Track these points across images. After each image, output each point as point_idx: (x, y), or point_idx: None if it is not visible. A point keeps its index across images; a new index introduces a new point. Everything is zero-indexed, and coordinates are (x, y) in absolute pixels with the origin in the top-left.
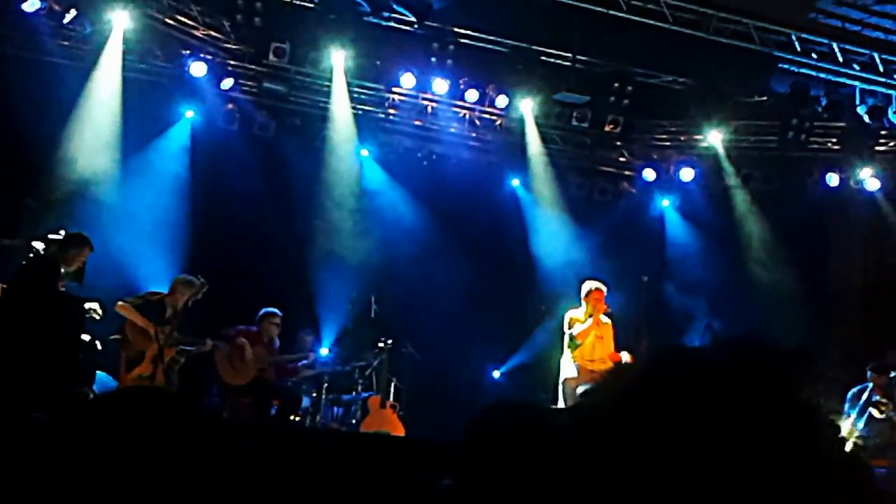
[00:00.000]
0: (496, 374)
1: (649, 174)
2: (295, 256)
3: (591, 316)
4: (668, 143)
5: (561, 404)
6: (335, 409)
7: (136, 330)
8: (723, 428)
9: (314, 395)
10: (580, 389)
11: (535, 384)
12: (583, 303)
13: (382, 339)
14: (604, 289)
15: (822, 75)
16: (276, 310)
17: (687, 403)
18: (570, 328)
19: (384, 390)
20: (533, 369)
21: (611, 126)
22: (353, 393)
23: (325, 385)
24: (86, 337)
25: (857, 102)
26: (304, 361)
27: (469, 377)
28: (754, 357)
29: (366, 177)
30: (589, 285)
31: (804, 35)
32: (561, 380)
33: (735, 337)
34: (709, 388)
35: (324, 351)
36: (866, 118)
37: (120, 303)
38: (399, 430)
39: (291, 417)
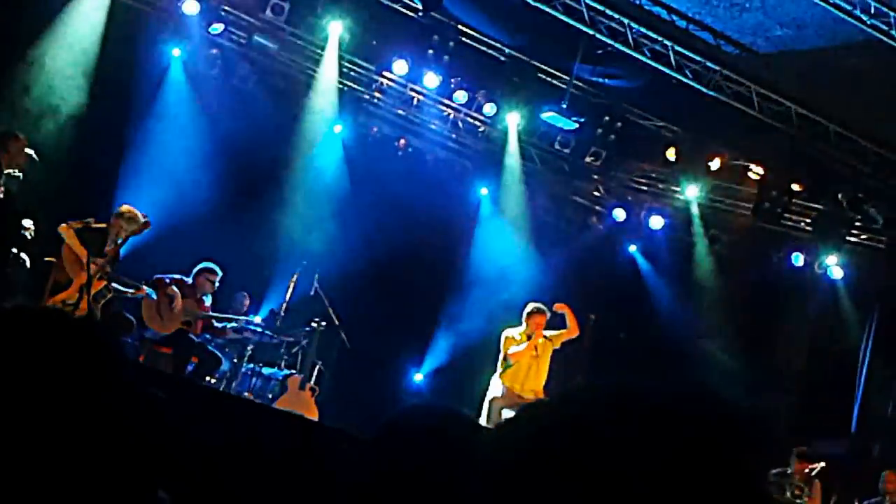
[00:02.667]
0: (418, 377)
1: (619, 214)
2: (250, 219)
3: (529, 337)
4: (644, 188)
5: (483, 422)
6: (254, 379)
7: (71, 256)
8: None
9: (235, 360)
10: (505, 413)
11: (458, 396)
12: (523, 323)
13: (316, 319)
14: (546, 313)
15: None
16: (214, 266)
17: (590, 444)
18: (505, 348)
19: (307, 372)
20: (458, 381)
21: (592, 158)
22: (276, 368)
23: (249, 354)
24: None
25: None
26: (234, 325)
27: (394, 375)
28: (695, 410)
29: (333, 154)
30: (532, 307)
31: (800, 110)
32: (488, 398)
33: (677, 387)
34: (621, 431)
35: (256, 319)
36: (845, 205)
37: (64, 224)
38: (313, 414)
39: (207, 378)
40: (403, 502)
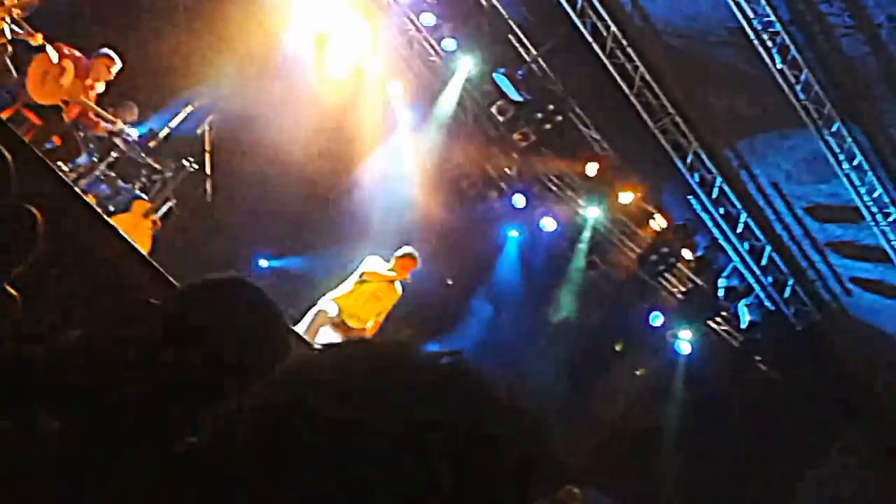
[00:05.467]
0: (263, 262)
1: (519, 200)
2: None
3: (392, 273)
4: (553, 187)
5: (302, 329)
6: (104, 186)
7: None
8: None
9: (95, 159)
10: (322, 332)
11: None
12: (392, 261)
13: (190, 159)
14: (418, 262)
15: (712, 228)
16: (116, 56)
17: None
18: (363, 269)
19: (158, 204)
20: (298, 286)
21: (520, 137)
22: (130, 185)
23: (111, 161)
24: None
25: (725, 274)
26: (110, 125)
27: (237, 250)
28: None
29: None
30: (406, 250)
31: (725, 187)
32: (315, 308)
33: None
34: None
35: (133, 131)
36: (721, 292)
37: None
38: (144, 247)
39: (60, 163)
40: (183, 358)
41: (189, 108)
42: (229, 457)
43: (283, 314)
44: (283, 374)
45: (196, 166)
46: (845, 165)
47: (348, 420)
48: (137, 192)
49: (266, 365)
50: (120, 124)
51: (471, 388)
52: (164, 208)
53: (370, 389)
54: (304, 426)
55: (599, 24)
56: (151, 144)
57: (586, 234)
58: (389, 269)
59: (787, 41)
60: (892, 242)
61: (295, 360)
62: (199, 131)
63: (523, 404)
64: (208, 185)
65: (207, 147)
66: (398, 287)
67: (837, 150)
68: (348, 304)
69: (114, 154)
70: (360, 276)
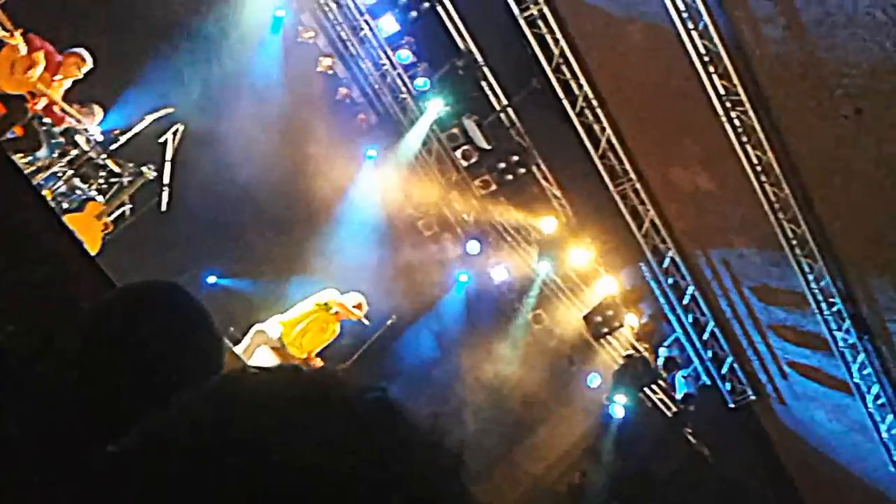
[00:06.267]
0: (212, 279)
1: (473, 247)
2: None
3: (356, 311)
4: (508, 238)
5: (240, 348)
6: (60, 182)
7: None
8: None
9: (55, 155)
10: (259, 353)
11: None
12: (346, 300)
13: (150, 166)
14: (364, 306)
15: (659, 297)
16: (88, 57)
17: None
18: (322, 298)
19: (112, 208)
20: (244, 305)
21: (481, 184)
22: (87, 185)
23: (71, 158)
24: None
25: (666, 343)
26: (75, 121)
27: (185, 264)
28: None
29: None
30: (359, 300)
31: (677, 258)
32: (257, 327)
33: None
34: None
35: (96, 130)
36: (660, 361)
37: None
38: (93, 249)
39: (19, 156)
40: (105, 366)
41: (157, 115)
42: (148, 469)
43: (216, 325)
44: (210, 392)
45: (155, 174)
46: (797, 251)
47: (267, 445)
48: (93, 192)
49: (193, 376)
50: (85, 122)
51: (391, 423)
52: (118, 212)
53: (293, 417)
54: (225, 447)
55: (573, 83)
56: (112, 147)
57: (535, 288)
58: (340, 305)
59: (755, 124)
60: (833, 332)
61: (225, 378)
62: (162, 139)
63: (444, 443)
64: (165, 195)
65: (169, 156)
66: (338, 327)
67: (791, 234)
68: (293, 329)
69: (74, 152)
70: (322, 304)
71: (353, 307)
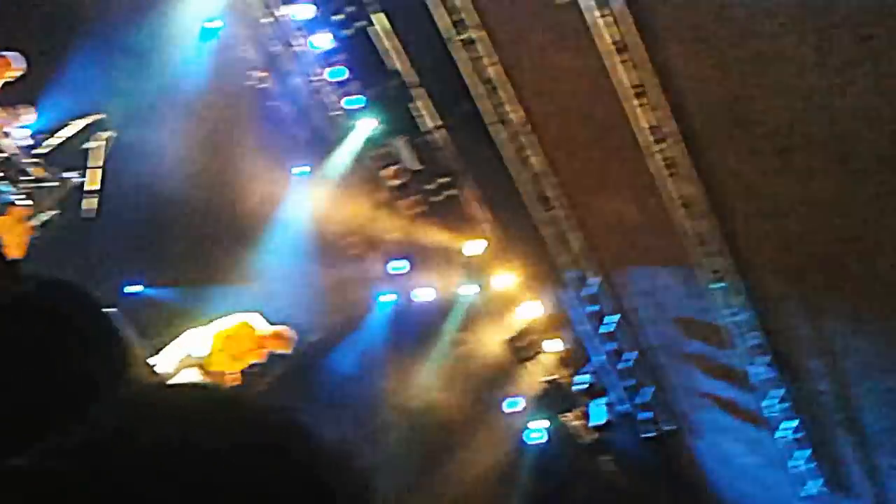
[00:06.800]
0: (133, 288)
1: (399, 267)
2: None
3: (264, 341)
4: (435, 259)
5: (158, 360)
6: None
7: None
8: None
9: None
10: (178, 367)
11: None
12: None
13: (79, 172)
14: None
15: (581, 324)
16: (20, 60)
17: None
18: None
19: (38, 210)
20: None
21: (409, 204)
22: (11, 186)
23: None
24: None
25: (585, 370)
26: (2, 122)
27: (109, 274)
28: None
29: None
30: (289, 333)
31: (601, 286)
32: (186, 334)
33: None
34: None
35: (24, 132)
36: (579, 388)
37: None
38: (18, 253)
39: None
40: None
41: (88, 120)
42: (53, 483)
43: (127, 335)
44: (119, 404)
45: (81, 181)
46: (719, 284)
47: (167, 464)
48: (20, 195)
49: (100, 387)
50: (13, 124)
51: (297, 444)
52: (45, 217)
53: (196, 436)
54: (131, 461)
55: (507, 106)
56: (39, 151)
57: (459, 311)
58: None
59: (682, 157)
60: (749, 367)
61: (134, 393)
62: (92, 145)
63: (352, 466)
64: (93, 202)
65: (98, 163)
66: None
67: (713, 267)
68: (213, 344)
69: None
70: (248, 325)
71: (277, 338)
